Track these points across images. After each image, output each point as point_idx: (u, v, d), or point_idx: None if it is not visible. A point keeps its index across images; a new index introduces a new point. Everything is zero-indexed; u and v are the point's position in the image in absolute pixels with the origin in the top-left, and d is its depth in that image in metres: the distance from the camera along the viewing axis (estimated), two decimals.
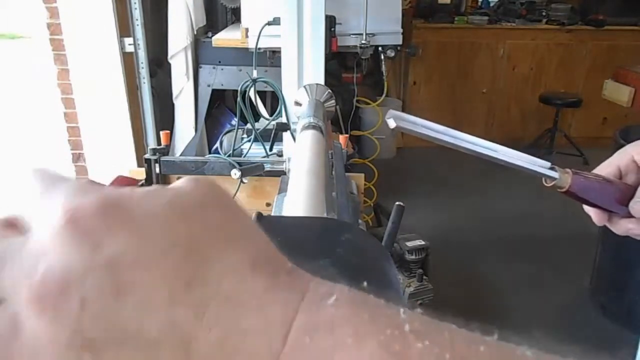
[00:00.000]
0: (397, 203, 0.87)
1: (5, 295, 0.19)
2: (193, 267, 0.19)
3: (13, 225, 0.21)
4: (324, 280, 0.20)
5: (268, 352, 0.18)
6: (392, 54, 2.55)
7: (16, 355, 0.18)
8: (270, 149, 1.42)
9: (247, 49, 2.24)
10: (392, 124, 0.43)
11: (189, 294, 0.18)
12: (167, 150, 1.38)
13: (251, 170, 1.22)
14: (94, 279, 0.18)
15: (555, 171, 0.50)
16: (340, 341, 0.17)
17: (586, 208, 0.54)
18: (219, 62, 2.59)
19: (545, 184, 0.51)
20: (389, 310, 0.19)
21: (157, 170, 1.33)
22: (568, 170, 0.51)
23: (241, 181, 1.23)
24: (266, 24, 1.79)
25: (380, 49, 2.53)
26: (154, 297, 0.18)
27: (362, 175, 1.38)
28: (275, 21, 1.72)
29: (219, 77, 2.61)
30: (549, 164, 0.50)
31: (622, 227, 0.53)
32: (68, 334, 0.18)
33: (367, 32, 2.38)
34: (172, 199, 0.20)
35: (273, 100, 2.52)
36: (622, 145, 0.54)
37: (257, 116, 1.57)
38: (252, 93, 1.53)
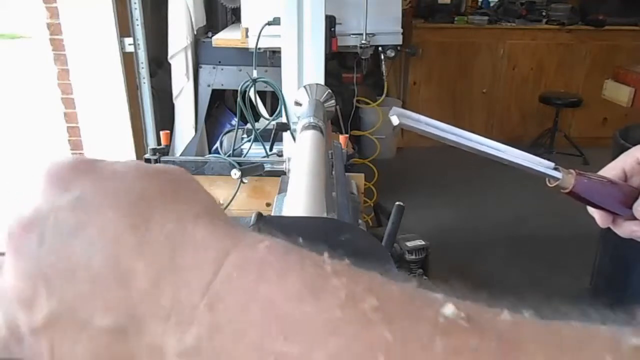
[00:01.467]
0: (397, 203, 0.87)
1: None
2: (139, 213, 0.21)
3: None
4: (260, 234, 0.22)
5: (199, 283, 0.19)
6: (392, 54, 2.55)
7: None
8: (270, 149, 1.42)
9: (247, 49, 2.24)
10: (395, 120, 0.43)
11: (132, 235, 0.21)
12: (167, 150, 1.38)
13: (251, 170, 1.22)
14: (55, 218, 0.21)
15: (559, 172, 0.50)
16: (265, 276, 0.19)
17: (590, 209, 0.54)
18: (219, 62, 2.59)
19: (549, 184, 0.51)
20: (315, 256, 0.21)
21: None
22: (572, 171, 0.50)
23: (241, 181, 1.23)
24: (266, 24, 1.79)
25: (380, 49, 2.52)
26: (102, 235, 0.21)
27: (362, 175, 1.38)
28: (275, 21, 1.72)
29: (219, 77, 2.61)
30: (552, 164, 0.50)
31: (625, 229, 0.53)
32: (27, 265, 0.21)
33: (367, 32, 2.38)
34: (136, 165, 0.23)
35: (273, 100, 2.52)
36: (622, 145, 0.54)
37: (257, 116, 1.57)
38: (252, 93, 1.53)
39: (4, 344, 0.22)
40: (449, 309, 0.18)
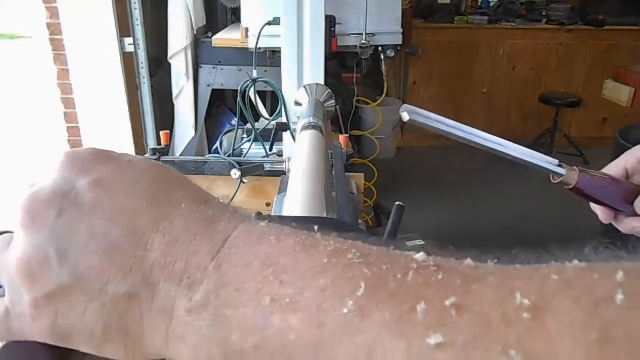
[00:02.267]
0: (397, 203, 0.87)
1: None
2: (155, 193, 0.24)
3: None
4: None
5: (209, 250, 0.22)
6: (392, 54, 2.55)
7: (1, 269, 0.23)
8: (270, 149, 1.42)
9: (247, 49, 2.24)
10: (405, 117, 0.44)
11: (150, 210, 0.23)
12: (167, 150, 1.38)
13: (251, 170, 1.22)
14: (75, 195, 0.23)
15: (563, 168, 0.51)
16: (265, 240, 0.22)
17: (593, 206, 0.55)
18: (219, 62, 2.58)
19: (553, 181, 0.52)
20: (308, 230, 0.24)
21: None
22: (575, 168, 0.52)
23: (241, 181, 1.23)
24: (266, 24, 1.79)
25: (380, 49, 2.52)
26: (121, 211, 0.23)
27: (362, 175, 1.38)
28: (275, 21, 1.72)
29: (219, 77, 2.61)
30: (556, 161, 0.52)
31: (627, 225, 0.54)
32: (42, 237, 0.22)
33: (367, 32, 2.38)
34: (147, 158, 0.26)
35: (273, 100, 2.52)
36: (622, 145, 0.55)
37: (257, 116, 1.57)
38: (252, 93, 1.53)
39: (5, 321, 0.23)
40: (420, 256, 0.21)
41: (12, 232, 0.24)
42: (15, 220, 0.23)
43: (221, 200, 0.26)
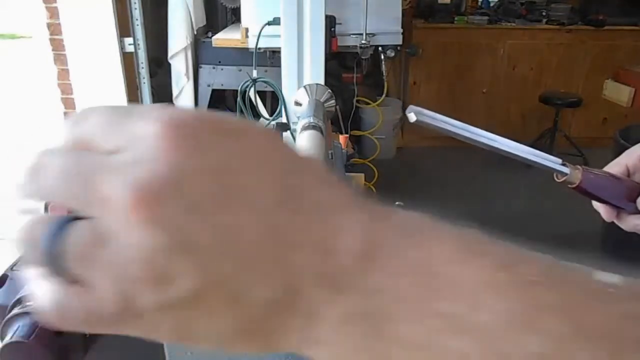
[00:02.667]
0: (397, 203, 0.87)
1: (94, 212, 0.19)
2: (288, 178, 0.20)
3: (85, 147, 0.20)
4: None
5: (355, 250, 0.19)
6: (392, 54, 2.55)
7: (101, 266, 0.18)
8: None
9: (247, 49, 2.24)
10: (412, 118, 0.44)
11: (287, 201, 0.19)
12: None
13: None
14: (203, 183, 0.18)
15: (567, 167, 0.52)
16: (418, 240, 0.20)
17: (595, 204, 0.56)
18: (219, 62, 2.59)
19: (556, 180, 0.53)
20: (460, 226, 0.22)
21: None
22: (578, 166, 0.52)
23: None
24: (266, 24, 1.80)
25: (380, 49, 2.53)
26: (259, 201, 0.19)
27: (362, 175, 1.38)
28: (275, 21, 1.72)
29: (219, 77, 2.61)
30: (560, 160, 0.52)
31: (629, 223, 0.54)
32: (170, 238, 0.18)
33: (367, 32, 2.38)
34: (263, 128, 0.21)
35: (273, 100, 2.52)
36: (622, 145, 0.55)
37: (257, 116, 1.57)
38: (252, 93, 1.53)
39: (118, 319, 0.20)
40: (611, 277, 0.19)
41: (85, 218, 0.19)
42: (123, 210, 0.18)
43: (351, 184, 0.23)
